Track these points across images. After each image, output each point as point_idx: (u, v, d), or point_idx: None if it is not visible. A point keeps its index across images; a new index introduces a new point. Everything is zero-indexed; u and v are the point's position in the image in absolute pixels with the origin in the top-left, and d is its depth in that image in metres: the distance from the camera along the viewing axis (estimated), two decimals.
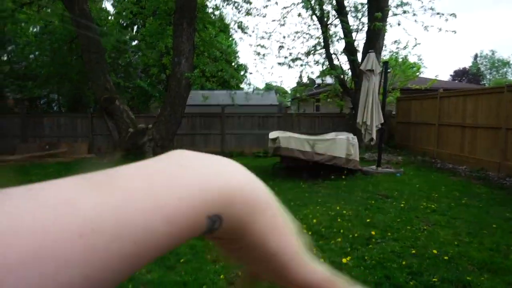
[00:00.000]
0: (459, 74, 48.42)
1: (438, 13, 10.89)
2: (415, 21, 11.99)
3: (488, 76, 53.55)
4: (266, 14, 17.62)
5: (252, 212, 0.26)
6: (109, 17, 16.61)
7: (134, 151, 10.98)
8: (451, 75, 49.93)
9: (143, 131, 11.04)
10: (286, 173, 8.55)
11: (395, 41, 15.21)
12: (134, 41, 16.99)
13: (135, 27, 19.95)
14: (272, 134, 8.40)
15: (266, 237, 0.27)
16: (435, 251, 3.77)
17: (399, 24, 13.65)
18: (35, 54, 15.20)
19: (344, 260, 3.54)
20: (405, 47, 12.82)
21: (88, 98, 16.92)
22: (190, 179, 0.23)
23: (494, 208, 5.51)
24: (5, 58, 16.23)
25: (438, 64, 78.28)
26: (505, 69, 53.63)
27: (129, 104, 18.02)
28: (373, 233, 4.35)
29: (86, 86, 15.83)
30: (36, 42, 14.62)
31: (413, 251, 3.80)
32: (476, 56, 55.49)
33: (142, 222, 0.21)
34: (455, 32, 10.96)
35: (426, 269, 3.40)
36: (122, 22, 17.74)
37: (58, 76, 15.34)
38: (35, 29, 16.31)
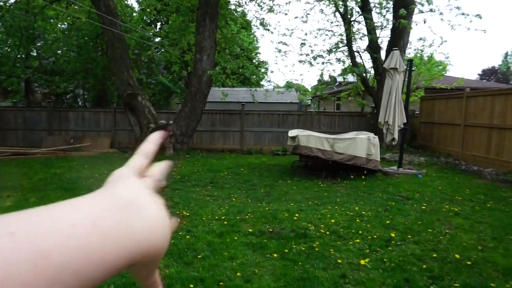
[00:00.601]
0: (488, 73, 46.75)
1: (463, 14, 10.43)
2: (441, 19, 11.62)
3: None
4: (288, 11, 17.51)
5: (154, 264, 0.35)
6: (134, 14, 16.91)
7: None
8: (479, 74, 48.29)
9: (164, 127, 11.20)
10: (305, 172, 8.50)
11: (420, 39, 14.80)
12: (157, 38, 17.23)
13: (159, 24, 20.25)
14: (292, 132, 8.37)
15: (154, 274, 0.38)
16: (457, 256, 3.67)
17: (424, 22, 13.32)
18: (62, 50, 15.66)
19: (362, 262, 3.50)
20: (430, 45, 12.48)
21: (112, 94, 17.31)
22: (121, 240, 0.28)
23: None
24: (35, 53, 16.79)
25: (466, 62, 75.73)
26: None
27: (151, 100, 18.35)
28: (392, 235, 4.27)
29: (110, 82, 16.19)
30: (63, 38, 15.04)
31: (434, 255, 3.71)
32: (506, 55, 53.39)
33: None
34: (485, 32, 10.56)
35: (447, 273, 3.31)
36: (146, 18, 18.03)
37: (84, 71, 15.76)
38: (63, 26, 16.79)
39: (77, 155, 10.95)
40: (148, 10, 14.82)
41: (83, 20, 13.94)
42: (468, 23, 20.92)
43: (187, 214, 5.10)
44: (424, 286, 3.05)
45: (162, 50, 16.51)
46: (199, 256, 3.60)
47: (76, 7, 13.87)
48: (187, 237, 4.16)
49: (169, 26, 14.47)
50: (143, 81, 17.14)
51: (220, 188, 6.96)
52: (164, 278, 3.06)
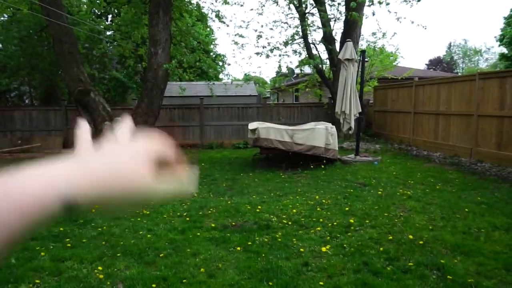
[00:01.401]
0: (434, 63, 49.56)
1: (405, 1, 11.10)
2: (389, 11, 12.12)
3: (461, 65, 55.09)
4: (244, 3, 17.41)
5: None
6: (82, 6, 16.01)
7: None
8: (426, 64, 51.07)
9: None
10: (266, 164, 8.58)
11: (373, 33, 15.39)
12: (109, 31, 16.47)
13: (110, 16, 19.35)
14: (251, 125, 8.39)
15: None
16: (410, 236, 3.88)
17: (373, 14, 13.80)
18: (3, 44, 14.53)
19: (323, 249, 3.60)
20: (383, 35, 12.97)
21: (62, 90, 16.35)
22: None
23: (466, 193, 5.71)
24: None
25: (414, 53, 79.83)
26: (476, 58, 55.29)
27: (105, 96, 17.55)
28: (351, 221, 4.43)
29: (59, 78, 15.29)
30: (2, 31, 13.95)
31: (390, 237, 3.90)
32: (450, 45, 56.91)
33: None
34: (425, 28, 11.18)
35: (402, 254, 3.50)
36: (96, 10, 17.15)
37: (29, 67, 14.74)
38: (2, 18, 15.54)
39: (26, 157, 10.28)
40: (97, 1, 14.08)
41: (25, 11, 13.01)
42: (415, 14, 21.97)
43: (148, 212, 4.97)
44: (382, 267, 3.20)
45: (114, 43, 15.82)
46: (161, 255, 3.52)
47: None
48: (148, 236, 4.06)
49: (121, 19, 13.85)
50: (96, 77, 16.34)
51: None
52: (124, 280, 2.97)
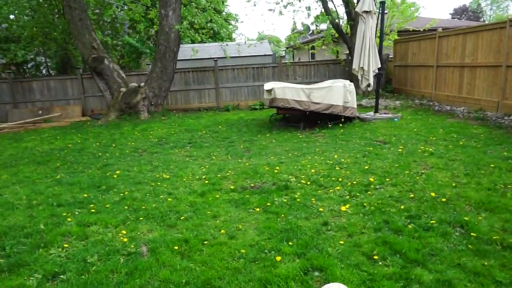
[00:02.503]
0: (459, 12, 46.65)
1: None
2: None
3: (488, 12, 51.64)
4: None
5: None
6: None
7: (129, 111, 10.83)
8: (450, 14, 48.16)
9: (135, 90, 10.79)
10: (283, 124, 8.48)
11: None
12: None
13: None
14: (267, 86, 8.22)
15: None
16: (433, 194, 3.80)
17: None
18: (14, 14, 14.43)
19: (343, 208, 3.58)
20: None
21: (77, 59, 16.35)
22: None
23: (492, 148, 5.51)
24: None
25: (438, 2, 74.91)
26: (506, 3, 51.57)
27: (120, 63, 17.50)
28: (371, 179, 4.37)
29: (73, 46, 15.22)
30: (13, 0, 13.79)
31: (411, 195, 3.83)
32: None
33: None
34: None
35: (424, 212, 3.44)
36: None
37: (42, 36, 14.69)
38: None
39: (47, 127, 10.51)
40: None
41: None
42: None
43: (167, 176, 5.05)
44: (403, 225, 3.17)
45: (125, 7, 15.47)
46: (182, 218, 3.59)
47: None
48: (169, 199, 4.13)
49: None
50: (108, 43, 16.19)
51: (199, 148, 6.89)
52: (147, 242, 3.05)
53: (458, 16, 44.90)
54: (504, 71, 7.63)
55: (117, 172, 5.39)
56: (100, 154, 6.71)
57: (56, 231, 3.40)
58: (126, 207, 3.96)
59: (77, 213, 3.87)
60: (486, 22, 32.31)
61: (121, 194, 4.40)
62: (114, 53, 17.77)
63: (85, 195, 4.40)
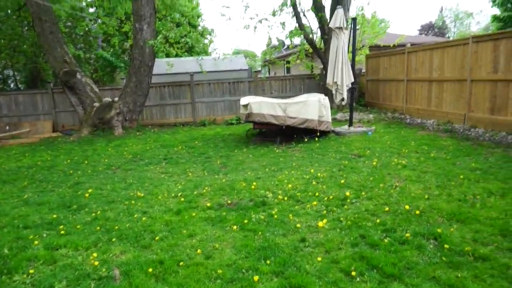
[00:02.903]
0: (426, 28, 48.85)
1: None
2: None
3: (452, 29, 54.39)
4: None
5: None
6: None
7: (102, 127, 10.57)
8: (418, 30, 50.33)
9: (109, 105, 10.57)
10: (260, 139, 8.50)
11: None
12: (92, 7, 15.82)
13: None
14: (243, 100, 8.24)
15: None
16: (407, 207, 3.87)
17: None
18: None
19: (320, 224, 3.58)
20: (368, 3, 12.57)
21: (47, 73, 15.91)
22: None
23: (461, 159, 5.71)
24: None
25: (406, 19, 78.32)
26: (468, 21, 54.54)
27: (93, 77, 17.13)
28: (347, 194, 4.41)
29: (43, 59, 14.82)
30: None
31: (387, 209, 3.89)
32: (441, 9, 55.94)
33: None
34: None
35: (399, 225, 3.49)
36: None
37: (10, 48, 14.23)
38: None
39: (15, 143, 10.08)
40: None
41: None
42: None
43: (142, 194, 4.91)
44: (379, 240, 3.20)
45: (98, 21, 15.25)
46: (156, 238, 3.48)
47: None
48: (143, 219, 4.01)
49: None
50: (81, 57, 15.87)
51: (175, 164, 6.78)
52: (120, 265, 2.94)
53: (425, 32, 47.00)
54: (468, 85, 7.99)
55: (89, 190, 5.21)
56: (71, 171, 6.48)
57: (21, 255, 3.22)
58: (98, 228, 3.81)
59: (45, 235, 3.69)
60: (451, 39, 33.96)
61: (93, 214, 4.24)
62: (87, 67, 17.41)
63: (54, 216, 4.21)
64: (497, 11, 23.69)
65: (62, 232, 3.74)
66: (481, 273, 2.62)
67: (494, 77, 7.32)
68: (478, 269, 2.66)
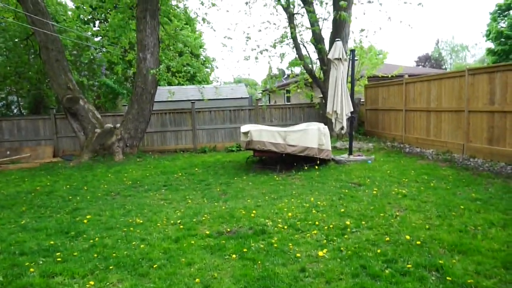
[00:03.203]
0: (423, 60, 50.01)
1: (405, 2, 11.54)
2: (380, 10, 12.20)
3: (449, 61, 55.68)
4: (231, 5, 17.32)
5: None
6: (68, 12, 15.81)
7: (103, 152, 10.61)
8: (415, 61, 51.51)
9: (110, 131, 10.66)
10: (260, 167, 8.51)
11: (362, 30, 15.38)
12: (96, 37, 16.28)
13: (97, 22, 19.14)
14: (244, 128, 8.33)
15: None
16: (408, 237, 3.84)
17: (364, 14, 13.88)
18: None
19: (320, 253, 3.54)
20: (366, 36, 13.02)
21: (50, 99, 16.12)
22: None
23: (461, 189, 5.71)
24: None
25: (403, 50, 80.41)
26: (464, 53, 55.94)
27: (95, 103, 17.36)
28: (347, 223, 4.39)
29: (47, 86, 15.07)
30: None
31: (387, 239, 3.86)
32: (437, 42, 57.51)
33: None
34: (411, 27, 11.42)
35: (400, 255, 3.45)
36: (82, 17, 16.95)
37: (15, 75, 14.51)
38: None
39: (15, 168, 10.09)
40: (83, 7, 13.91)
41: (10, 20, 12.80)
42: (401, 13, 22.14)
43: (141, 221, 4.88)
44: (380, 270, 3.15)
45: (103, 50, 15.64)
46: (154, 266, 3.43)
47: (0, 4, 12.69)
48: (141, 246, 3.96)
49: (108, 25, 13.70)
50: (84, 84, 16.15)
51: (174, 191, 6.76)
52: None
53: (422, 63, 48.06)
54: (466, 116, 8.10)
55: (88, 216, 5.17)
56: (70, 197, 6.45)
57: (16, 283, 3.17)
58: (95, 255, 3.76)
59: (41, 262, 3.64)
60: (448, 70, 34.68)
61: (91, 241, 4.20)
62: (90, 93, 17.67)
63: (52, 242, 4.16)
64: (491, 45, 24.37)
65: (59, 259, 3.69)
66: None
67: (491, 108, 7.43)
68: None
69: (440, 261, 3.23)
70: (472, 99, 7.97)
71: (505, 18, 23.26)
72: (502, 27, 23.03)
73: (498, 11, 23.75)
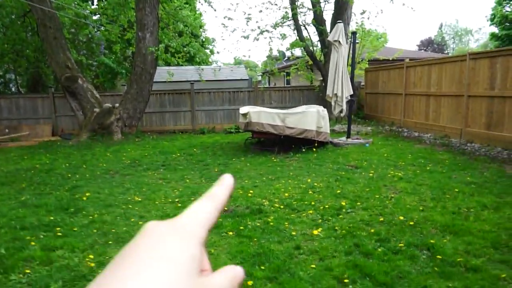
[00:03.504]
0: (425, 44, 49.45)
1: None
2: None
3: (451, 45, 55.07)
4: None
5: None
6: None
7: (101, 132, 10.62)
8: (417, 45, 50.95)
9: (109, 111, 10.64)
10: (258, 148, 8.56)
11: (363, 11, 15.17)
12: (95, 15, 16.03)
13: (95, 0, 18.83)
14: (243, 109, 8.32)
15: None
16: (401, 218, 3.92)
17: None
18: None
19: (315, 232, 3.62)
20: (368, 18, 12.85)
21: (49, 77, 16.03)
22: None
23: (456, 173, 5.77)
24: None
25: (406, 34, 79.48)
26: (467, 38, 55.28)
27: (94, 83, 17.25)
28: (343, 203, 4.46)
29: (45, 64, 14.95)
30: None
31: (381, 219, 3.93)
32: (441, 26, 56.72)
33: None
34: (414, 10, 11.16)
35: (393, 235, 3.53)
36: None
37: (13, 53, 14.38)
38: None
39: (14, 146, 10.12)
40: None
41: None
42: None
43: (139, 199, 4.95)
44: (373, 249, 3.23)
45: (101, 28, 15.44)
46: None
47: None
48: (140, 223, 4.04)
49: (106, 2, 13.48)
50: (83, 63, 16.02)
51: (173, 170, 6.81)
52: None
53: (424, 48, 47.54)
54: (465, 101, 8.10)
55: (87, 194, 5.24)
56: (69, 175, 6.51)
57: (18, 255, 3.24)
58: (94, 231, 3.84)
59: (42, 236, 3.71)
60: (450, 55, 34.37)
61: (90, 217, 4.27)
62: (89, 72, 17.55)
63: (52, 218, 4.23)
64: (495, 30, 24.06)
65: (59, 234, 3.77)
66: (471, 283, 2.66)
67: (491, 93, 7.43)
68: (469, 280, 2.70)
69: (432, 241, 3.31)
70: (472, 84, 7.95)
71: (510, 2, 22.88)
72: (507, 11, 22.69)
73: None
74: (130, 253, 0.26)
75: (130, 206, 4.65)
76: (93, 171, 6.85)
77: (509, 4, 22.97)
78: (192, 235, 0.27)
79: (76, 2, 14.47)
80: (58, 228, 3.91)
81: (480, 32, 53.26)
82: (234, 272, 0.30)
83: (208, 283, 0.27)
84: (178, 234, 0.27)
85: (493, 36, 24.05)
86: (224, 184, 0.33)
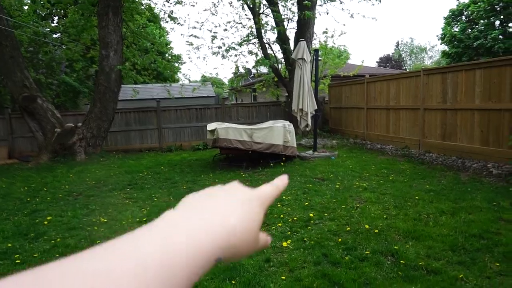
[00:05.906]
0: (384, 61, 51.98)
1: None
2: (342, 9, 12.63)
3: (408, 62, 58.24)
4: (196, 3, 17.23)
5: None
6: (24, 7, 15.05)
7: (63, 153, 10.23)
8: (377, 62, 53.46)
9: (71, 130, 10.29)
10: (227, 164, 8.57)
11: (325, 31, 15.82)
12: (56, 33, 15.62)
13: (56, 18, 18.36)
14: (210, 126, 8.34)
15: None
16: (367, 226, 4.05)
17: (327, 13, 14.30)
18: None
19: (284, 244, 3.66)
20: (332, 36, 13.42)
21: (4, 97, 15.29)
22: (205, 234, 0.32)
23: (416, 182, 6.06)
24: None
25: (366, 51, 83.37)
26: (422, 55, 58.72)
27: (55, 102, 16.64)
28: (311, 215, 4.55)
29: (1, 84, 14.28)
30: None
31: (348, 228, 4.05)
32: (397, 44, 59.99)
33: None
34: (376, 19, 11.79)
35: (359, 243, 3.64)
36: (40, 12, 16.20)
37: None
38: None
39: None
40: (41, 2, 13.31)
41: None
42: (367, 9, 22.93)
43: (105, 220, 4.79)
44: (340, 258, 3.32)
45: (63, 47, 15.04)
46: None
47: None
48: None
49: (68, 20, 13.20)
50: (43, 82, 15.45)
51: (140, 190, 6.66)
52: None
53: (384, 64, 49.92)
54: (422, 114, 8.58)
55: (48, 218, 5.01)
56: (28, 199, 6.20)
57: None
58: (57, 255, 3.67)
59: None
60: (406, 71, 36.29)
61: (52, 242, 4.08)
62: (49, 92, 16.92)
63: (9, 245, 4.01)
64: (446, 48, 25.77)
65: (18, 261, 3.57)
66: (433, 285, 2.79)
67: (444, 106, 7.92)
68: (430, 282, 2.84)
69: (396, 247, 3.45)
70: (427, 97, 8.46)
71: (458, 23, 24.69)
72: (455, 31, 24.43)
73: (452, 16, 25.17)
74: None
75: (96, 228, 4.50)
76: (54, 193, 6.56)
77: (457, 25, 24.77)
78: (260, 203, 0.40)
79: (34, 20, 14.05)
80: (16, 255, 3.70)
81: (433, 50, 56.82)
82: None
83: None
84: (251, 198, 0.39)
85: (444, 54, 25.75)
86: (281, 179, 0.46)
